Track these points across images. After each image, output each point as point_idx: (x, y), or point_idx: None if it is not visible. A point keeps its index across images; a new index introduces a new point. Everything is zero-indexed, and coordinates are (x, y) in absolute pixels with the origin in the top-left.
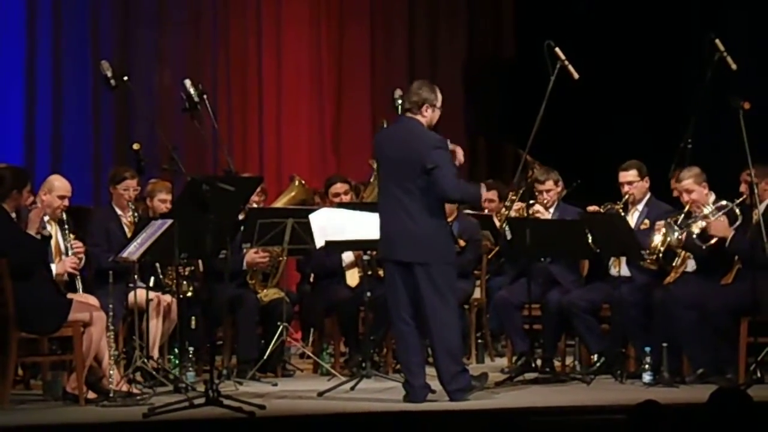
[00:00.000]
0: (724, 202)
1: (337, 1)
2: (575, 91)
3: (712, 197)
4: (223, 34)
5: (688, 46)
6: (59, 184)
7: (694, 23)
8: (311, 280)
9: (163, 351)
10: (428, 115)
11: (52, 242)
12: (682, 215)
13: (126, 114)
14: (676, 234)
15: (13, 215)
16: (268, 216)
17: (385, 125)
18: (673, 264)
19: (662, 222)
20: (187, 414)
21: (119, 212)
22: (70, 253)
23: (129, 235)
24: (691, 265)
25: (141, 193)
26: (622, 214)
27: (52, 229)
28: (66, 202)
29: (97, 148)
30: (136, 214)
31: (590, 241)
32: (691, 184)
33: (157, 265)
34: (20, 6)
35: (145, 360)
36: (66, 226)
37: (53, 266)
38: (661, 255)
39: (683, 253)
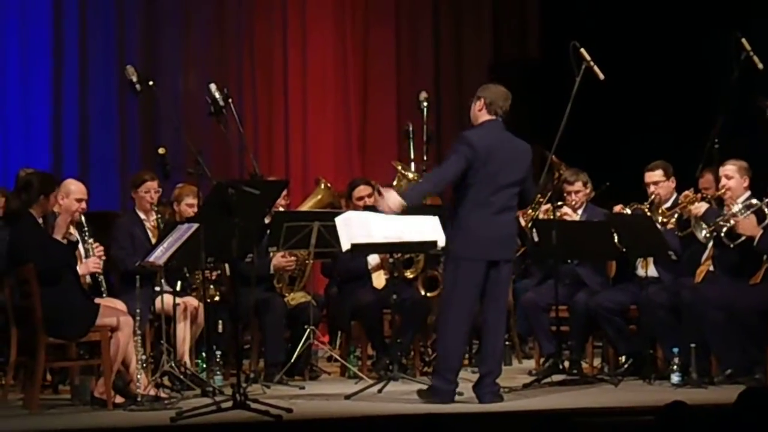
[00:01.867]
0: (753, 201)
1: (362, 3)
2: (601, 92)
3: (747, 194)
4: (248, 37)
5: (715, 47)
6: (75, 187)
7: (720, 23)
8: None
9: (190, 355)
10: None
11: None
12: (713, 199)
13: (151, 118)
14: (704, 232)
15: (41, 221)
16: (294, 219)
17: (410, 128)
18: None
19: (690, 192)
20: (215, 418)
21: (142, 216)
22: (91, 254)
23: (152, 239)
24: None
25: (168, 197)
26: (649, 214)
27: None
28: (83, 205)
29: (123, 152)
30: (159, 216)
31: (617, 241)
32: (733, 171)
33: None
34: (47, 11)
35: (173, 364)
36: (85, 229)
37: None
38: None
39: (710, 247)
